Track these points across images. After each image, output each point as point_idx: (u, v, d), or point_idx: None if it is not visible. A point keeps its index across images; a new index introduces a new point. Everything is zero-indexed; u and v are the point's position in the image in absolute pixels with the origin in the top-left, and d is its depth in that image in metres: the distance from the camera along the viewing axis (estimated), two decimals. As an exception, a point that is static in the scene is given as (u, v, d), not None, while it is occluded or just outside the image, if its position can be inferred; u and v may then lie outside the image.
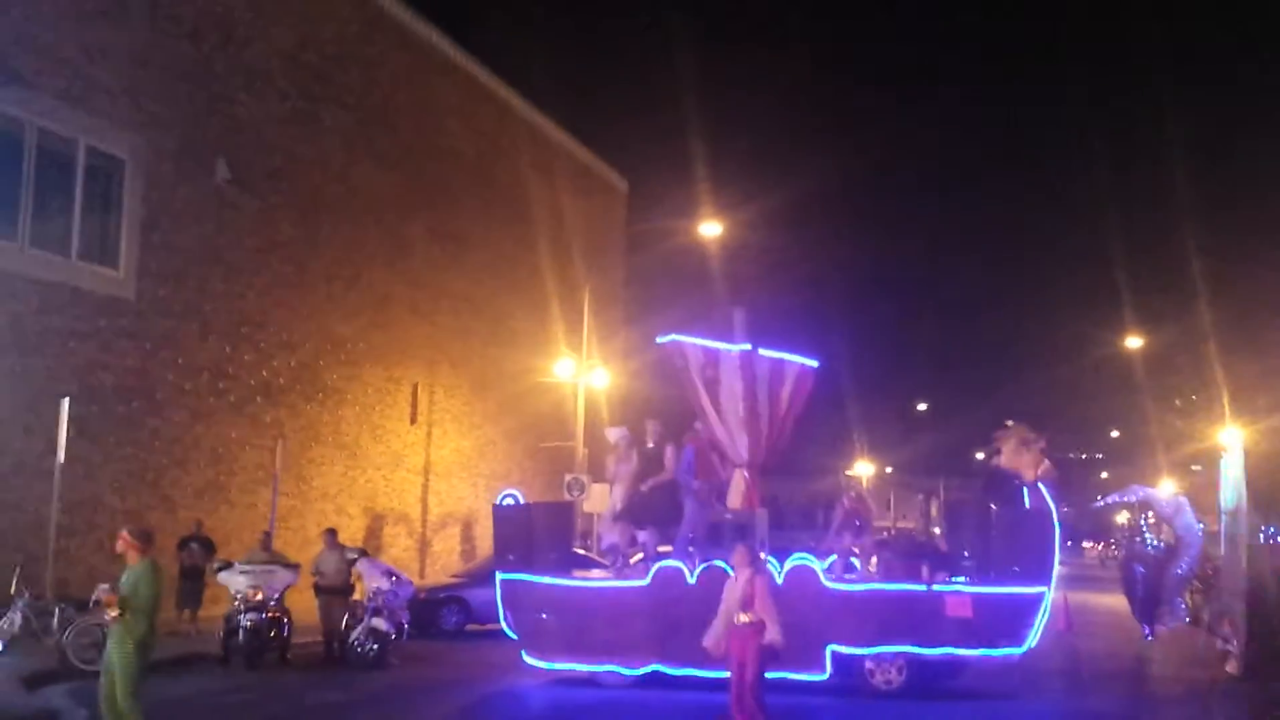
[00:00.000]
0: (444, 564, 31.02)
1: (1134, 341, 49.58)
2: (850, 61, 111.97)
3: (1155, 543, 17.93)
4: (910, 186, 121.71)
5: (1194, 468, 56.10)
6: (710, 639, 11.25)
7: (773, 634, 10.82)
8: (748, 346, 15.61)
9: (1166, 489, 44.69)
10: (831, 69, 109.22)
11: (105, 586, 11.01)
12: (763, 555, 13.36)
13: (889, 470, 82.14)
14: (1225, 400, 43.49)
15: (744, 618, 10.89)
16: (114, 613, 9.16)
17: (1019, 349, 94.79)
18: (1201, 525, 17.90)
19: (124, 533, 9.60)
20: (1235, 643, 16.29)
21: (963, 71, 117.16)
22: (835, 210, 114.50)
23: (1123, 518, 48.80)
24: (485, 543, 32.88)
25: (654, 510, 15.54)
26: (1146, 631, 18.41)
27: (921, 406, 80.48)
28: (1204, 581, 18.83)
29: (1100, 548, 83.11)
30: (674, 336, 15.33)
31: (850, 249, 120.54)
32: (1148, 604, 18.10)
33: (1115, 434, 73.63)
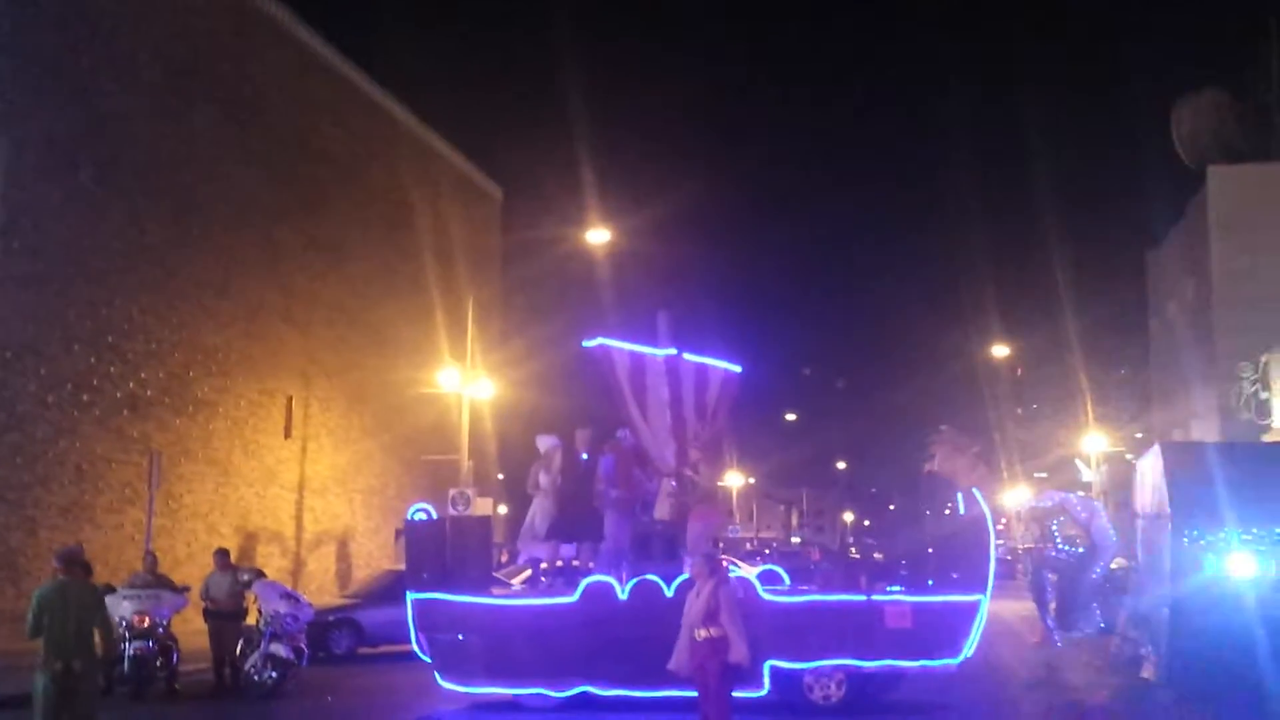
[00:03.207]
0: (319, 584, 29.65)
1: (999, 350, 50.78)
2: (725, 69, 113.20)
3: (1068, 548, 17.81)
4: (782, 197, 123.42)
5: (1038, 475, 57.74)
6: (675, 659, 10.45)
7: (738, 653, 10.10)
8: (673, 351, 15.01)
9: (1022, 494, 45.84)
10: (707, 83, 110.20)
11: None
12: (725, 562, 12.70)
13: (752, 481, 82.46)
14: (1088, 408, 44.78)
15: (704, 633, 10.12)
16: None
17: (887, 361, 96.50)
18: (1114, 529, 17.89)
19: None
20: (1153, 648, 16.29)
21: (839, 82, 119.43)
22: (708, 220, 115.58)
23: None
24: (363, 561, 31.64)
25: (585, 525, 14.69)
26: (1056, 639, 18.34)
27: (790, 417, 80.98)
28: (1118, 586, 18.89)
29: None
30: (601, 340, 14.57)
31: (724, 258, 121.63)
32: (1060, 611, 18.02)
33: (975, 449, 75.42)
